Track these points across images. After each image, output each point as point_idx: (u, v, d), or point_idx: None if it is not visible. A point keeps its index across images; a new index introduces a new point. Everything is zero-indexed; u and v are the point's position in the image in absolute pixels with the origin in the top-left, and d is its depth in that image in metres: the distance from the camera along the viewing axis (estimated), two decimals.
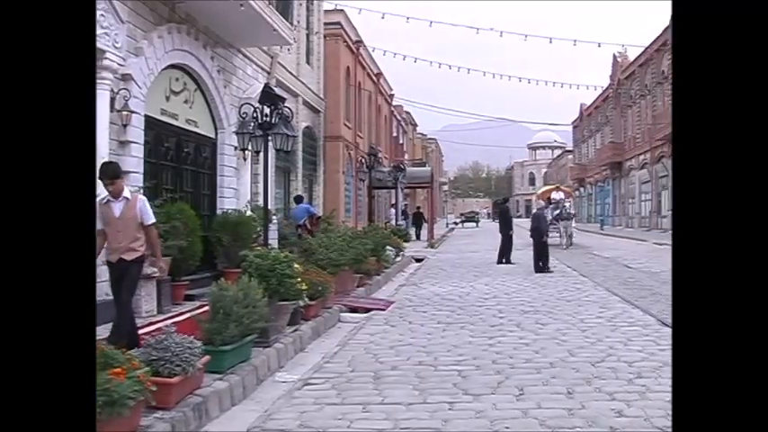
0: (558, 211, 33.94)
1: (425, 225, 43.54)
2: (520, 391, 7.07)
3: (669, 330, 10.47)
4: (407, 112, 69.55)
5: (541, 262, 20.90)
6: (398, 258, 22.85)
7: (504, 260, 23.46)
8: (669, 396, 6.76)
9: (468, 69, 33.68)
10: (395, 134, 58.77)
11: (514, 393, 7.02)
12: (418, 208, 52.38)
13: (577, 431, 5.85)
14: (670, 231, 48.05)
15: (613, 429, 5.84)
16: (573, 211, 37.48)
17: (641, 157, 59.76)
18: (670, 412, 6.24)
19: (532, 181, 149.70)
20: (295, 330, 9.77)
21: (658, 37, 53.51)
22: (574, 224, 37.80)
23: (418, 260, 25.79)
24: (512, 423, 6.06)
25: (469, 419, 6.21)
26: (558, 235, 33.29)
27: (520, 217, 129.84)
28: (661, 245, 35.52)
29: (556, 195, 37.24)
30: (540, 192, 47.07)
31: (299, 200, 22.93)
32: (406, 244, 27.70)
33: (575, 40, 26.08)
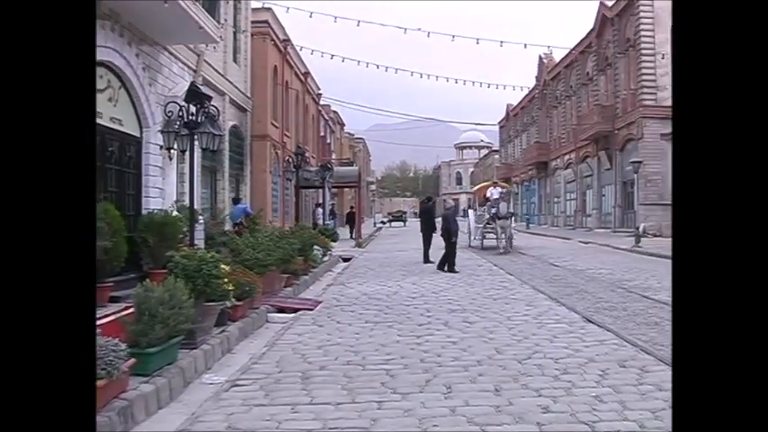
0: (494, 210, 30.13)
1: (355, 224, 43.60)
2: (448, 389, 7.11)
3: (593, 327, 10.67)
4: (335, 112, 69.49)
5: (447, 263, 20.96)
6: (326, 258, 22.79)
7: (431, 261, 22.85)
8: (594, 391, 6.92)
9: (396, 69, 33.63)
10: (322, 133, 58.68)
11: (442, 391, 7.05)
12: (351, 207, 52.38)
13: (505, 428, 5.90)
14: (595, 230, 48.97)
15: (540, 425, 5.91)
16: (512, 210, 33.52)
17: (566, 156, 60.80)
18: (595, 407, 6.39)
19: (459, 180, 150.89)
20: (222, 331, 9.66)
21: (583, 39, 54.55)
22: (514, 224, 34.70)
23: (346, 260, 25.77)
24: (440, 421, 6.09)
25: (398, 418, 6.22)
26: (494, 237, 30.44)
27: None
28: (586, 243, 36.17)
29: (493, 192, 32.78)
30: (476, 188, 42.53)
31: (236, 201, 22.68)
32: (333, 243, 27.66)
33: (501, 41, 26.38)
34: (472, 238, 32.86)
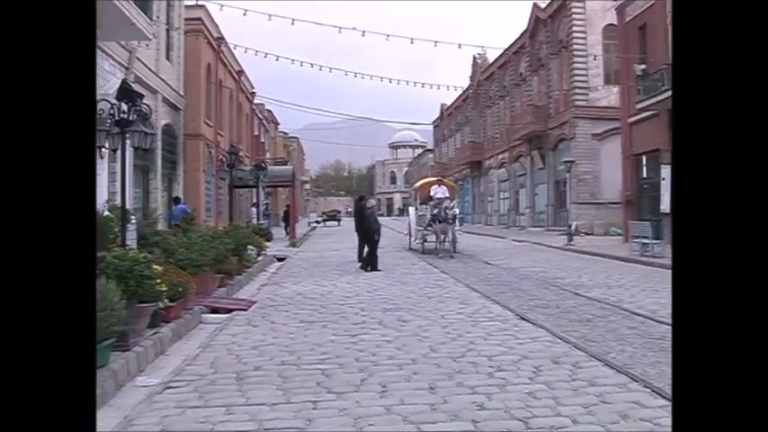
0: (436, 211, 26.34)
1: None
2: (383, 388, 7.11)
3: (527, 324, 10.79)
4: (269, 111, 69.08)
5: (369, 262, 21.04)
6: (260, 258, 22.66)
7: (366, 265, 21.77)
8: (528, 388, 7.00)
9: (331, 68, 33.75)
10: (256, 132, 58.32)
11: (377, 390, 7.06)
12: (287, 206, 52.13)
13: (440, 426, 5.93)
14: (528, 228, 49.49)
15: (475, 422, 5.95)
16: (457, 211, 28.04)
17: (500, 156, 61.38)
18: (529, 403, 6.46)
19: (393, 180, 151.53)
20: (155, 333, 9.53)
21: (517, 39, 55.13)
22: (459, 226, 29.48)
23: (280, 259, 25.62)
24: (375, 420, 6.09)
25: (333, 418, 6.21)
26: (435, 240, 27.74)
27: (381, 215, 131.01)
28: (520, 242, 36.57)
29: (437, 191, 28.57)
30: (417, 185, 35.89)
31: (176, 201, 22.35)
32: (267, 243, 27.50)
33: (435, 41, 26.47)
34: (413, 239, 30.26)
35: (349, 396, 6.86)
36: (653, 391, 6.86)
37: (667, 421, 5.89)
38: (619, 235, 34.54)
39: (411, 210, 33.14)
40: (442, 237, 26.69)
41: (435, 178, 35.81)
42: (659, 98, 27.14)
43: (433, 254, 26.55)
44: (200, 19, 32.07)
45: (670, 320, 10.68)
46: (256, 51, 28.98)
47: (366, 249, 21.66)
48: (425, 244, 28.69)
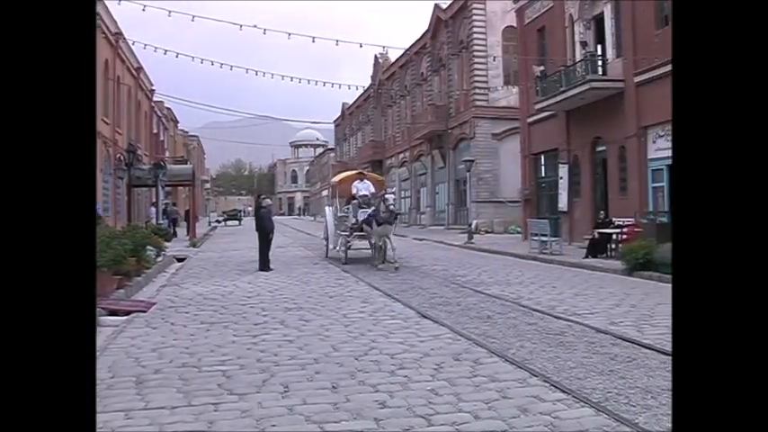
0: (372, 210, 21.54)
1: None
2: (285, 389, 7.07)
3: (428, 322, 10.87)
4: (168, 109, 68.03)
5: (261, 261, 20.98)
6: (160, 258, 22.25)
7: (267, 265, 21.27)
8: (430, 385, 7.05)
9: (231, 66, 33.16)
10: (155, 131, 57.37)
11: (280, 391, 7.01)
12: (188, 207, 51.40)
13: (343, 425, 5.93)
14: (429, 227, 49.90)
15: (377, 421, 5.96)
16: (395, 207, 22.75)
17: (401, 155, 61.78)
18: (431, 400, 6.51)
19: (295, 179, 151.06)
20: None
21: (418, 40, 55.54)
22: (394, 229, 22.70)
23: (180, 260, 25.20)
24: (278, 421, 6.05)
25: (235, 419, 6.13)
26: (365, 247, 23.80)
27: (282, 215, 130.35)
28: (420, 240, 36.83)
29: (359, 187, 23.97)
30: (336, 180, 27.77)
31: None
32: (167, 243, 27.04)
33: (337, 40, 26.36)
34: (331, 246, 25.05)
35: (251, 397, 6.79)
36: (551, 385, 7.01)
37: (565, 414, 6.05)
38: (518, 233, 35.09)
39: (328, 211, 26.69)
40: (382, 242, 21.50)
41: (356, 172, 28.42)
42: (557, 99, 27.73)
43: (360, 263, 22.04)
44: (97, 13, 31.33)
45: (567, 316, 10.97)
46: (155, 48, 28.45)
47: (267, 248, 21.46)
48: (350, 251, 23.57)
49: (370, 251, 23.08)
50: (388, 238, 21.06)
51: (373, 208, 21.63)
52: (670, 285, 15.18)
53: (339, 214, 25.11)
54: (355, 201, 23.41)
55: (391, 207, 20.70)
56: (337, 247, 23.85)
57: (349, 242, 23.20)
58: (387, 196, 21.12)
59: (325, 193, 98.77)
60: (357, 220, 22.42)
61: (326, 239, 26.05)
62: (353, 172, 28.78)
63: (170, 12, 23.65)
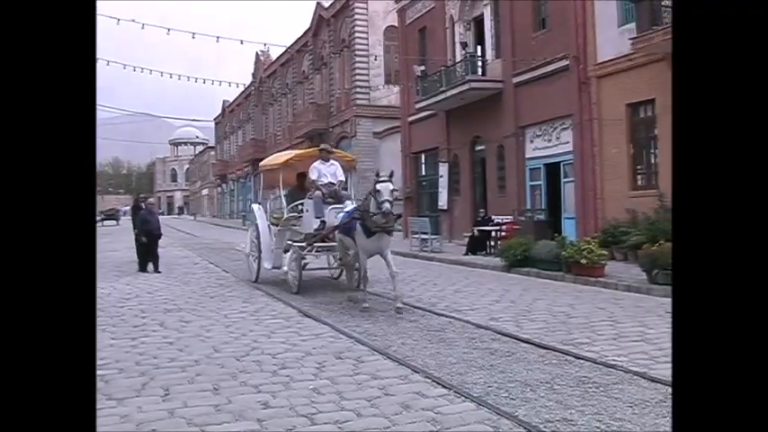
0: (351, 210, 13.53)
1: None
2: (165, 392, 6.95)
3: (310, 320, 10.86)
4: None
5: (139, 261, 20.62)
6: None
7: (145, 266, 20.72)
8: (312, 384, 7.04)
9: (108, 61, 32.31)
10: None
11: (160, 394, 6.88)
12: None
13: (225, 426, 5.86)
14: None
15: (260, 422, 5.92)
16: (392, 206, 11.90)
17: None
18: (313, 399, 6.49)
19: (174, 177, 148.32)
20: None
21: (300, 38, 55.34)
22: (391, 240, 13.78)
23: None
24: (159, 425, 5.94)
25: (114, 425, 5.98)
26: (327, 266, 17.35)
27: (162, 214, 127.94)
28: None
29: (321, 170, 15.12)
30: (277, 162, 17.62)
31: None
32: None
33: (218, 37, 26.01)
34: (266, 264, 16.63)
35: (130, 402, 6.65)
36: (433, 380, 7.10)
37: (447, 409, 6.15)
38: (399, 231, 35.27)
39: (257, 210, 18.25)
40: (364, 259, 12.91)
41: (315, 148, 17.55)
42: (437, 98, 28.07)
43: (317, 292, 14.97)
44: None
45: (448, 312, 11.11)
46: None
47: (146, 250, 20.95)
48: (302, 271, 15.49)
49: (329, 271, 17.32)
50: (385, 257, 12.63)
51: (353, 207, 13.80)
52: (547, 281, 15.54)
53: (283, 214, 16.13)
54: (318, 192, 14.53)
55: (387, 206, 11.69)
56: (284, 267, 15.51)
57: (304, 259, 15.40)
58: (380, 187, 11.84)
59: (206, 191, 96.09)
60: (321, 223, 14.28)
61: (254, 254, 17.58)
62: (311, 149, 18.50)
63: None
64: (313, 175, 14.97)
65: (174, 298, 14.06)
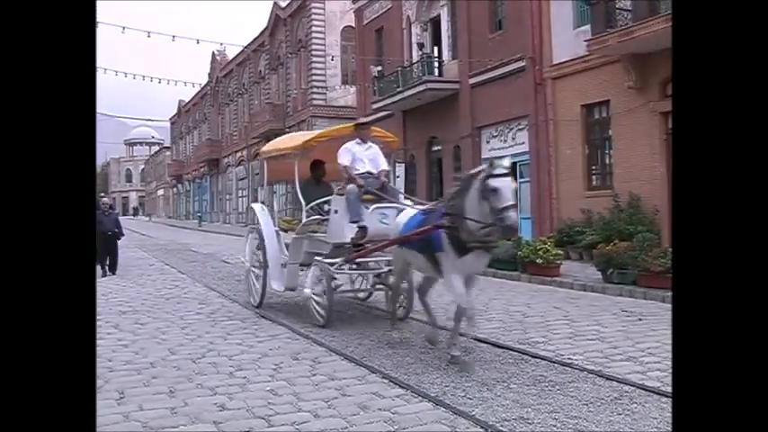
0: (438, 212, 8.34)
1: None
2: (120, 395, 6.87)
3: (266, 321, 10.81)
4: None
5: (109, 264, 19.90)
6: None
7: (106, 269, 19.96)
8: (269, 385, 7.01)
9: None
10: None
11: (115, 398, 6.79)
12: None
13: (181, 429, 5.82)
14: None
15: (217, 424, 5.88)
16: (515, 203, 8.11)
17: (238, 154, 61.14)
18: (270, 400, 6.47)
19: (129, 178, 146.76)
20: None
21: (256, 38, 55.10)
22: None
23: None
24: (113, 428, 5.87)
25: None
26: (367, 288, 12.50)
27: (117, 214, 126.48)
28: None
29: (357, 156, 10.57)
30: (286, 147, 12.58)
31: None
32: None
33: (173, 36, 25.83)
34: (274, 285, 12.05)
35: None
36: (390, 381, 7.12)
37: (404, 409, 6.16)
38: None
39: (259, 211, 13.39)
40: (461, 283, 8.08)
41: (344, 126, 12.13)
42: (394, 99, 28.16)
43: (352, 326, 10.63)
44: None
45: (415, 311, 11.09)
46: None
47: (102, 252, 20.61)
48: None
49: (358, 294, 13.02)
50: (471, 284, 8.55)
51: (441, 205, 8.66)
52: (503, 281, 15.61)
53: (304, 221, 11.56)
54: (352, 186, 10.31)
55: (513, 215, 7.48)
56: (304, 289, 11.11)
57: (335, 279, 10.95)
58: (498, 184, 7.44)
59: (161, 192, 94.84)
60: (360, 229, 10.23)
61: (256, 270, 12.84)
62: (345, 125, 12.27)
63: None
64: (345, 160, 10.53)
65: (130, 300, 13.89)
